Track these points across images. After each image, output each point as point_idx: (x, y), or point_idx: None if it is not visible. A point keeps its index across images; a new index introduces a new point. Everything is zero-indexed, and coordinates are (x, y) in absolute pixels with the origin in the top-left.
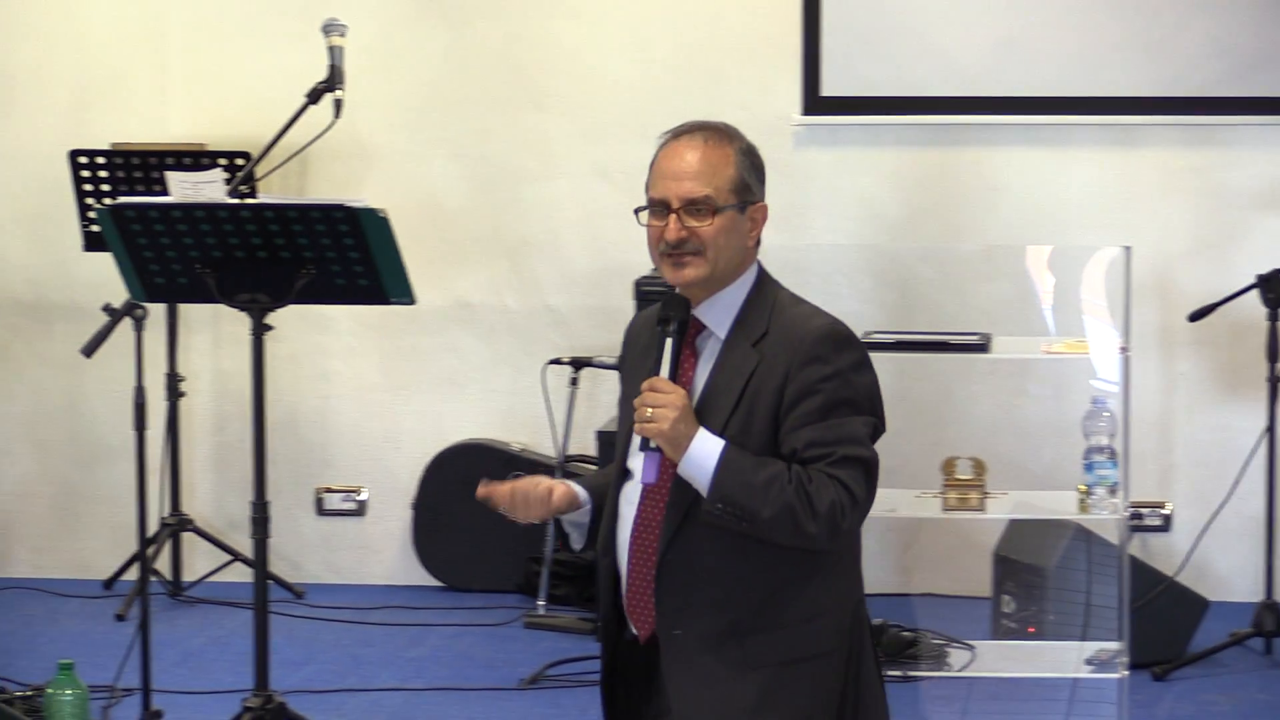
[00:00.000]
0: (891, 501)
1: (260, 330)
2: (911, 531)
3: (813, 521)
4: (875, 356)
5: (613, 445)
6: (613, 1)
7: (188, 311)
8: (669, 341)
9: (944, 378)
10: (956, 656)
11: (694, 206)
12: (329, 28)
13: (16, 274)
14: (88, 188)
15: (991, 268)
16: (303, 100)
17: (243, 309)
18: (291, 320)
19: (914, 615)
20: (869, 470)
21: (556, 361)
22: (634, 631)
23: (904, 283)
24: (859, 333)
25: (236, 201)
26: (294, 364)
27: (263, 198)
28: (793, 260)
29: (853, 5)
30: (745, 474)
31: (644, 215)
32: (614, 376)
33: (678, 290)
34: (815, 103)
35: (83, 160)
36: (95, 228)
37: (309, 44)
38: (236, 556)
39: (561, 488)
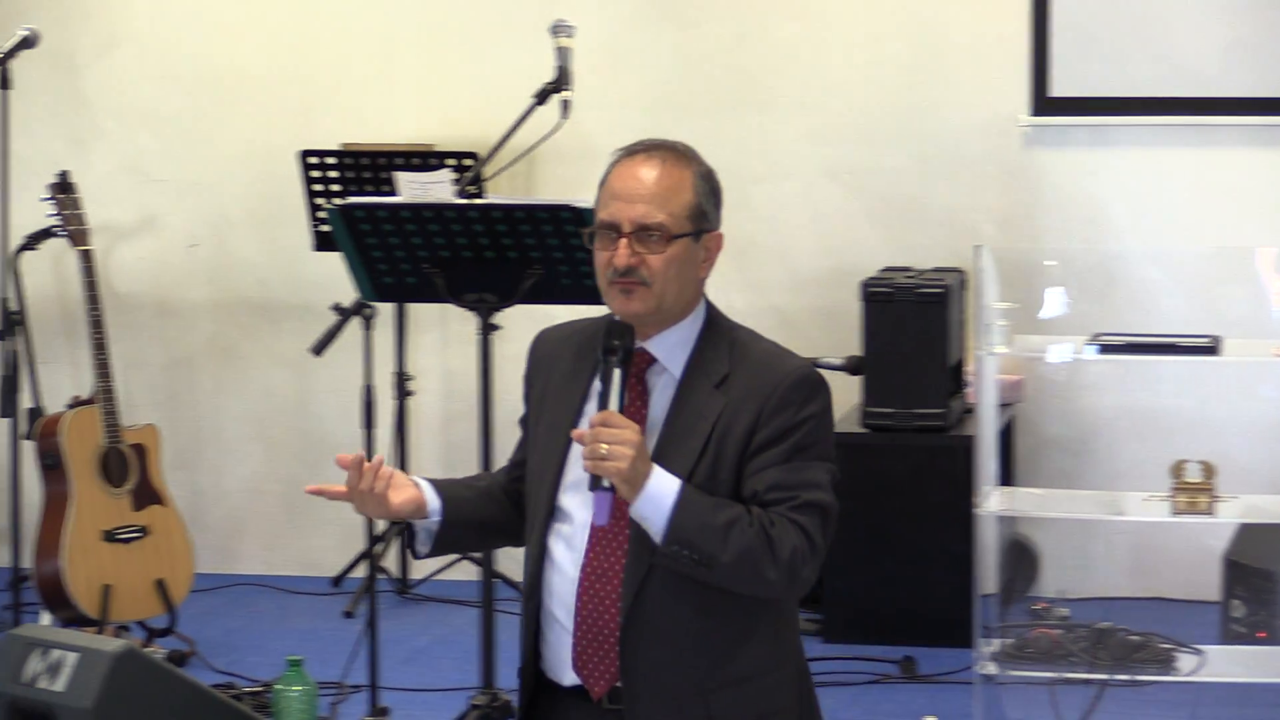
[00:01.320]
0: (1120, 505)
1: (487, 330)
2: (1140, 535)
3: (774, 568)
4: (1104, 359)
5: (840, 447)
6: (840, 1)
7: (416, 311)
8: (617, 373)
9: (1173, 380)
10: (1185, 661)
11: (646, 232)
12: (557, 29)
13: (247, 273)
14: (317, 188)
15: (1221, 269)
16: (530, 101)
17: (470, 308)
18: (518, 319)
19: (1142, 619)
20: (827, 517)
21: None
22: (570, 684)
23: (1132, 285)
24: (1087, 335)
25: (464, 202)
26: (520, 363)
27: (490, 198)
28: (1019, 262)
29: (1081, 6)
30: (704, 515)
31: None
32: (841, 377)
33: (618, 318)
34: (1043, 104)
35: (313, 160)
36: (325, 228)
37: (537, 45)
38: (464, 554)
39: (407, 493)
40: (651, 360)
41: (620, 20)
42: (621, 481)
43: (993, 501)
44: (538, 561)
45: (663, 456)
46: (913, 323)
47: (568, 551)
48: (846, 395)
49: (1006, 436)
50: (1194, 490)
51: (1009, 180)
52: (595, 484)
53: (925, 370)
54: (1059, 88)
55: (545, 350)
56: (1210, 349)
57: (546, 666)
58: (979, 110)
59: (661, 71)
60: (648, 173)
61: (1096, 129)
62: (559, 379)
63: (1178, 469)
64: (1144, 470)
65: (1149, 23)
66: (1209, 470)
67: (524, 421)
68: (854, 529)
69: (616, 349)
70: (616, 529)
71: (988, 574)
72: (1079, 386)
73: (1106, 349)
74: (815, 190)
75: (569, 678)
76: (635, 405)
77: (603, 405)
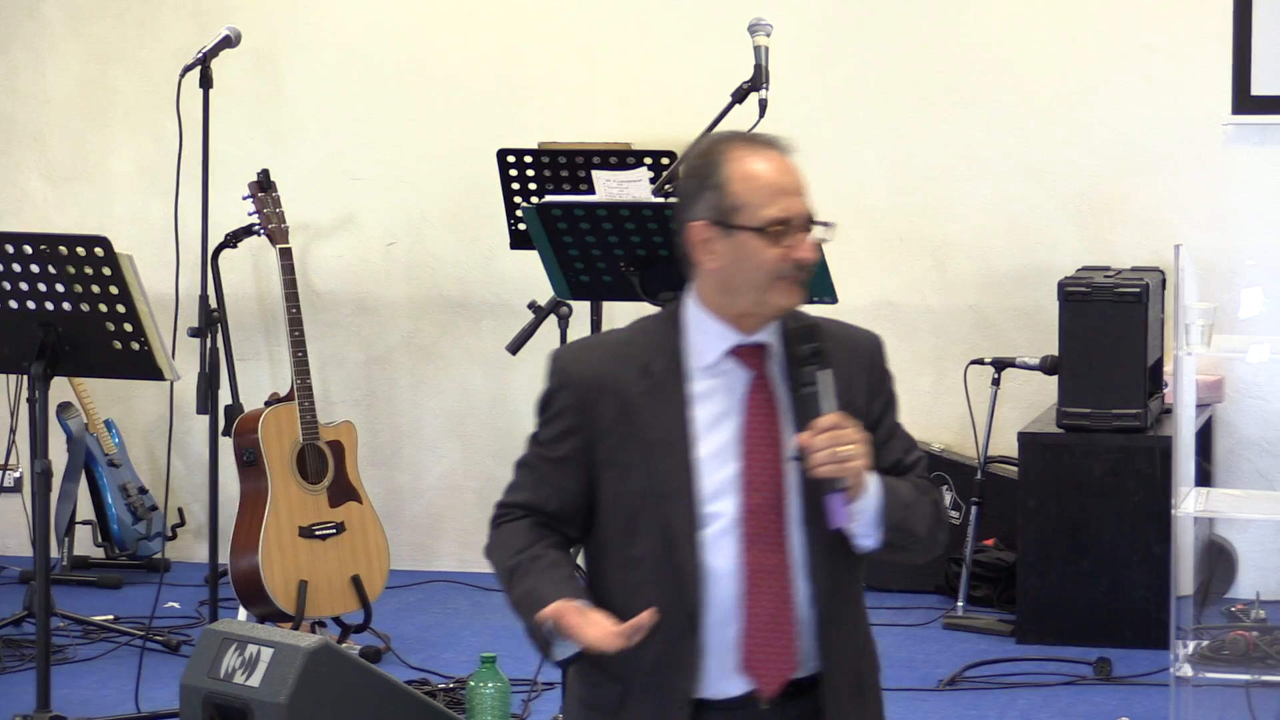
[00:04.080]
0: None
1: None
2: None
3: (943, 530)
4: None
5: (1036, 447)
6: (1040, 0)
7: (611, 309)
8: (828, 373)
9: None
10: None
11: (810, 224)
12: (755, 27)
13: (445, 271)
14: (515, 186)
15: None
16: (728, 100)
17: (665, 307)
18: None
19: None
20: None
21: (979, 362)
22: (722, 696)
23: None
24: None
25: (661, 200)
26: None
27: None
28: (1219, 261)
29: None
30: (899, 494)
31: (745, 237)
32: (1037, 377)
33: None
34: (1246, 101)
35: (511, 159)
36: (522, 226)
37: (736, 43)
38: None
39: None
40: (765, 351)
41: (818, 19)
42: (857, 480)
43: (1190, 502)
44: (693, 579)
45: None
46: (1110, 322)
47: (719, 558)
48: (1043, 396)
49: (1204, 437)
50: None
51: (1209, 179)
52: (831, 486)
53: (1122, 370)
54: (1261, 86)
55: (589, 373)
56: None
57: (699, 687)
58: (1180, 109)
59: (859, 70)
60: (789, 164)
61: None
62: (639, 397)
63: None
64: None
65: None
66: None
67: (572, 452)
68: (1051, 529)
69: (818, 351)
70: (764, 523)
71: (1184, 575)
72: (1278, 387)
73: None
74: (1013, 189)
75: (728, 689)
76: (766, 397)
77: (804, 410)
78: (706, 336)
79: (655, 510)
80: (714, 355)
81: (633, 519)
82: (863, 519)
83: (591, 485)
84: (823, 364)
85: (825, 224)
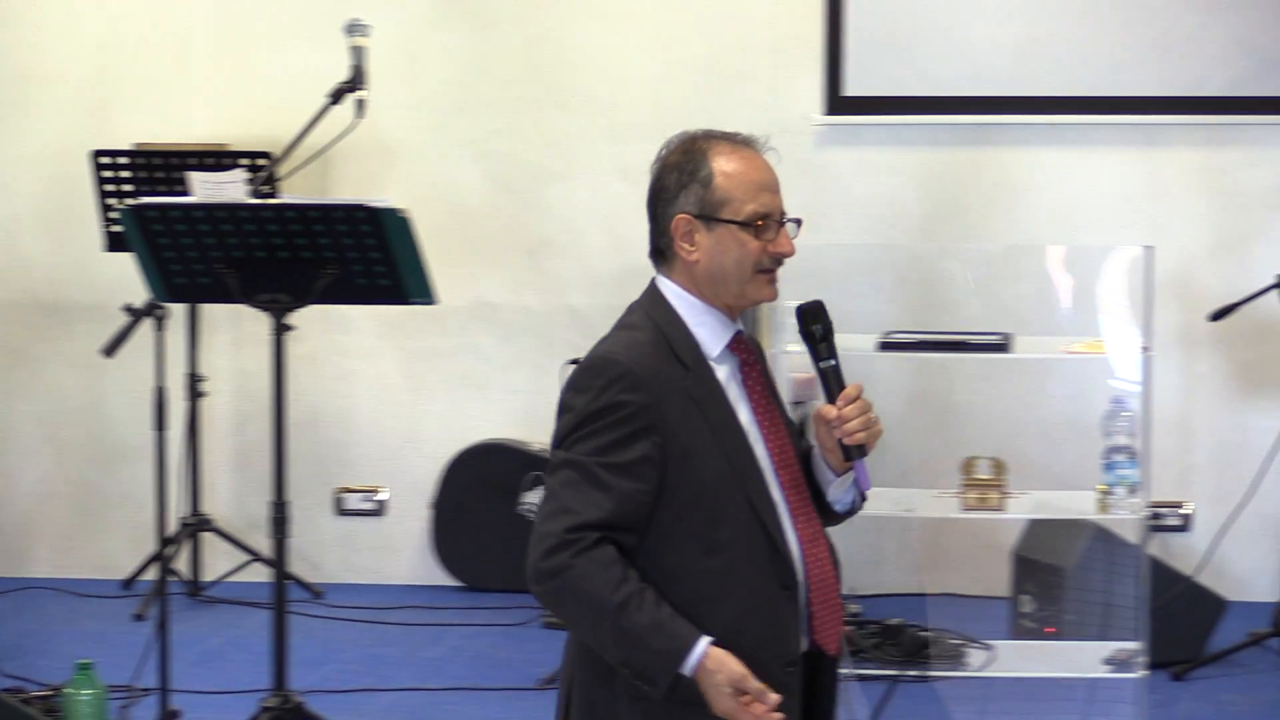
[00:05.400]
0: (910, 501)
1: (281, 330)
2: (930, 531)
3: None
4: (896, 356)
5: None
6: (635, 2)
7: (209, 311)
8: (832, 359)
9: (964, 377)
10: (974, 656)
11: (784, 221)
12: (352, 28)
13: (38, 274)
14: (109, 188)
15: (1012, 268)
16: (325, 101)
17: (264, 309)
18: (312, 320)
19: (933, 615)
20: None
21: (577, 361)
22: (799, 663)
23: (925, 283)
24: (880, 332)
25: (258, 201)
26: (314, 364)
27: (284, 198)
28: (813, 260)
29: (875, 5)
30: None
31: (727, 230)
32: None
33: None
34: (837, 103)
35: (105, 160)
36: (117, 228)
37: (332, 44)
38: (256, 556)
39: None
40: (743, 337)
41: (415, 20)
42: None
43: None
44: (786, 548)
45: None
46: None
47: (787, 531)
48: None
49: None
50: (984, 486)
51: (803, 179)
52: (862, 453)
53: None
54: (852, 87)
55: (650, 372)
56: (1000, 346)
57: (796, 650)
58: (772, 109)
59: (457, 71)
60: (767, 163)
61: (889, 128)
62: (690, 387)
63: (968, 465)
64: (935, 466)
65: (943, 22)
66: (999, 467)
67: (649, 452)
68: None
69: (827, 330)
70: (800, 496)
71: None
72: (871, 384)
73: (897, 346)
74: (610, 188)
75: (799, 649)
76: (760, 381)
77: (829, 384)
78: (708, 329)
79: (738, 491)
80: (719, 347)
81: (716, 504)
82: (856, 480)
83: (659, 485)
84: (830, 344)
85: (796, 221)
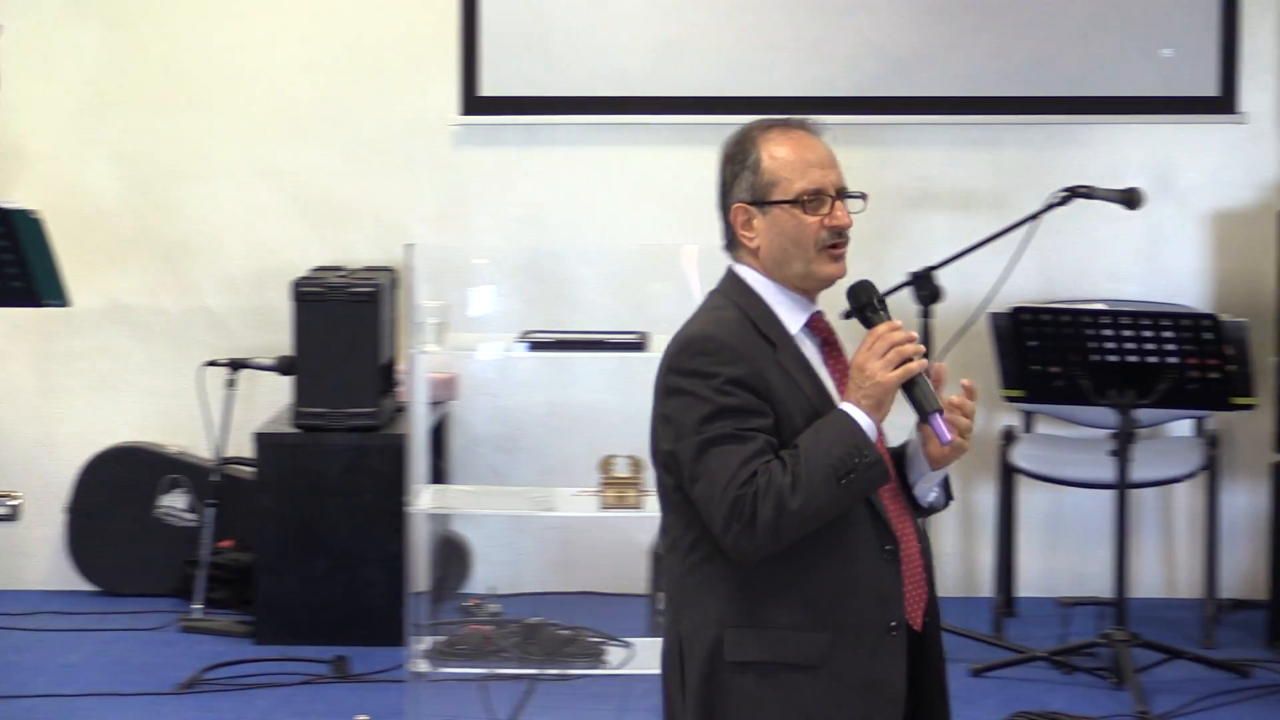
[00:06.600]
0: (549, 500)
1: None
2: (569, 530)
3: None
4: (534, 356)
5: (272, 447)
6: (273, 3)
7: None
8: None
9: (602, 377)
10: (614, 654)
11: (843, 195)
12: None
13: None
14: None
15: (647, 267)
16: None
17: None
18: None
19: (572, 613)
20: None
21: (214, 363)
22: (902, 628)
23: (562, 283)
24: (518, 332)
25: None
26: None
27: None
28: (450, 261)
29: (511, 5)
30: None
31: (781, 211)
32: (275, 378)
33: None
34: (473, 103)
35: None
36: None
37: None
38: None
39: None
40: (823, 317)
41: (46, 19)
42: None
43: (424, 499)
44: (884, 512)
45: None
46: (344, 322)
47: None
48: (279, 396)
49: (439, 435)
50: (622, 485)
51: (440, 179)
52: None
53: (356, 370)
54: (489, 87)
55: (745, 346)
56: (637, 345)
57: (902, 613)
58: (410, 109)
59: (91, 70)
60: (819, 142)
61: (526, 128)
62: (782, 361)
63: (606, 464)
64: (574, 466)
65: (578, 23)
66: (637, 465)
67: (766, 417)
68: (288, 529)
69: (882, 304)
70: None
71: (419, 572)
72: (510, 383)
73: (536, 346)
74: (246, 189)
75: (902, 613)
76: (839, 359)
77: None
78: (785, 308)
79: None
80: (798, 325)
81: None
82: (938, 477)
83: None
84: (887, 315)
85: (860, 196)
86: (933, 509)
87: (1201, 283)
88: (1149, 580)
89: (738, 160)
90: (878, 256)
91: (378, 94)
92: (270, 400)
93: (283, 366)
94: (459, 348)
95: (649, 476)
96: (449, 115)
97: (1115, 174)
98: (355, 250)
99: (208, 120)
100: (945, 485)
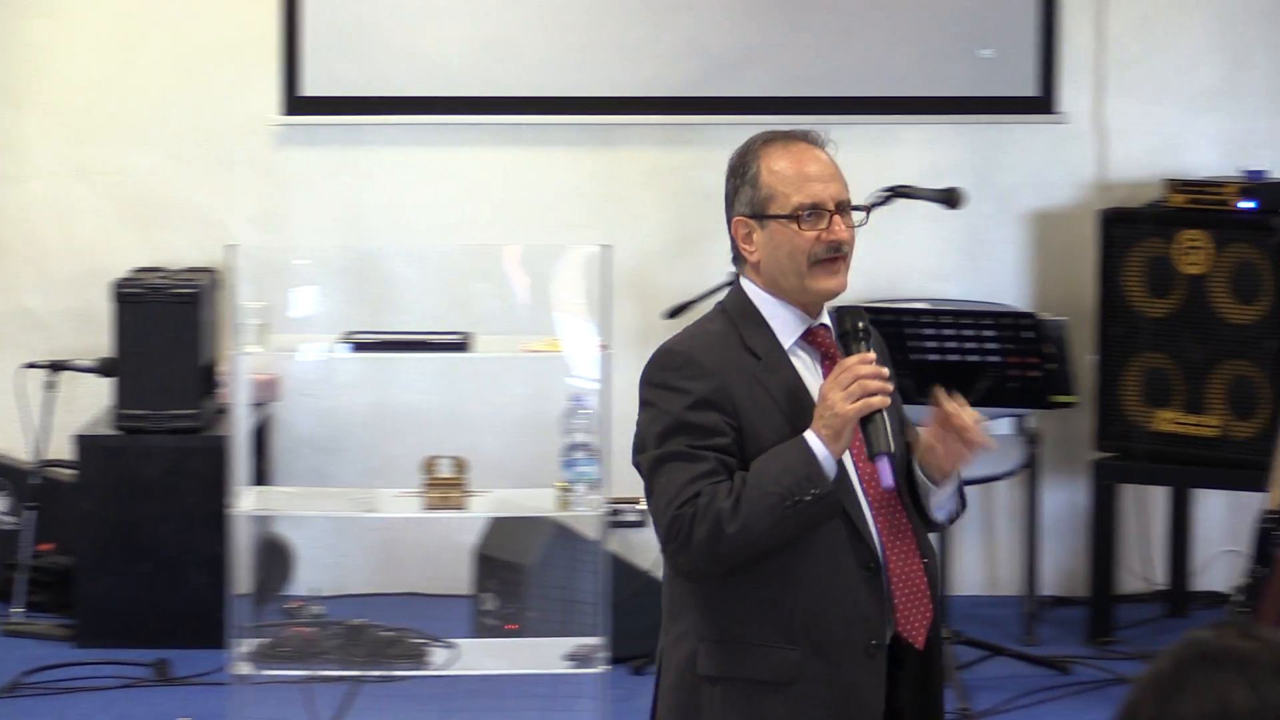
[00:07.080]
0: (372, 501)
1: None
2: (392, 530)
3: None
4: (357, 357)
5: (93, 449)
6: (90, 1)
7: None
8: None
9: (426, 377)
10: (437, 655)
11: (843, 209)
12: None
13: None
14: None
15: (470, 267)
16: None
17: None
18: None
19: (396, 614)
20: None
21: (33, 365)
22: (883, 648)
23: (384, 283)
24: (340, 333)
25: None
26: None
27: None
28: (272, 261)
29: (333, 6)
30: None
31: (778, 225)
32: (95, 380)
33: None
34: (295, 103)
35: None
36: None
37: None
38: None
39: None
40: (828, 332)
41: None
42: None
43: (246, 501)
44: (867, 528)
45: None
46: (164, 323)
47: (866, 516)
48: (98, 398)
49: (261, 436)
50: (445, 486)
51: (261, 180)
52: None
53: (178, 371)
54: (311, 87)
55: (715, 360)
56: (460, 345)
57: (882, 633)
58: (231, 109)
59: None
60: (821, 154)
61: (348, 128)
62: (760, 375)
63: (429, 465)
64: (397, 466)
65: (400, 23)
66: (460, 465)
67: (728, 434)
68: (109, 532)
69: (865, 334)
70: (880, 490)
71: (242, 574)
72: (332, 384)
73: (358, 346)
74: (66, 190)
75: (883, 632)
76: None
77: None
78: (781, 321)
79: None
80: (791, 339)
81: None
82: (950, 488)
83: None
84: (872, 343)
85: (864, 208)
86: (951, 520)
87: (1021, 282)
88: (970, 578)
89: (739, 174)
90: (699, 257)
91: (199, 94)
92: (91, 402)
93: (103, 368)
94: (281, 349)
95: (474, 477)
96: (270, 115)
97: (936, 174)
98: (176, 251)
99: (26, 120)
100: (960, 493)
